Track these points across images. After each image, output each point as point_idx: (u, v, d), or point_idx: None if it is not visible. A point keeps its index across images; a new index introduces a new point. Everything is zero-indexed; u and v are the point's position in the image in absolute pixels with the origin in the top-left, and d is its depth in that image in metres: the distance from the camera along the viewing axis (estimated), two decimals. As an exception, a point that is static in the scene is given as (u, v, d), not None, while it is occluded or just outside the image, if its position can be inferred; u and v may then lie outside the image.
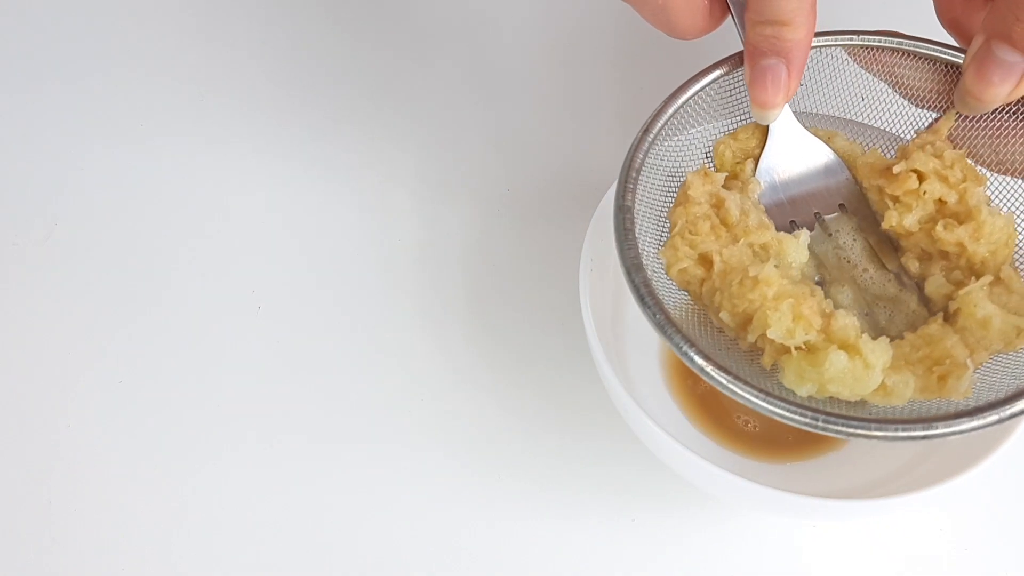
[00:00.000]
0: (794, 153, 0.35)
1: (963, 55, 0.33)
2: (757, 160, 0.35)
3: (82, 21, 0.58)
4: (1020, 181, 0.34)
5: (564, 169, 0.52)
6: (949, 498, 0.42)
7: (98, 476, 0.42)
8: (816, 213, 0.35)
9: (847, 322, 0.30)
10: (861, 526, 0.41)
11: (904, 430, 0.27)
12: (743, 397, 0.29)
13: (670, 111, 0.34)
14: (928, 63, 0.34)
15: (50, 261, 0.49)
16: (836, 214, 0.35)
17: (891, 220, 0.34)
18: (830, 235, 0.35)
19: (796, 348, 0.30)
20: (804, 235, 0.34)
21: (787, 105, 0.34)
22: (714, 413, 0.43)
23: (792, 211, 0.35)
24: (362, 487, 0.42)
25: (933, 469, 0.37)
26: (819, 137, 0.36)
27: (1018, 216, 0.34)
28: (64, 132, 0.54)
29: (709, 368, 0.29)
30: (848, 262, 0.35)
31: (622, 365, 0.42)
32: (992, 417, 0.28)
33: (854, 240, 0.35)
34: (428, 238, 0.50)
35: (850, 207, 0.35)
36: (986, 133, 0.34)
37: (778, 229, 0.34)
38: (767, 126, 0.35)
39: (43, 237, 0.50)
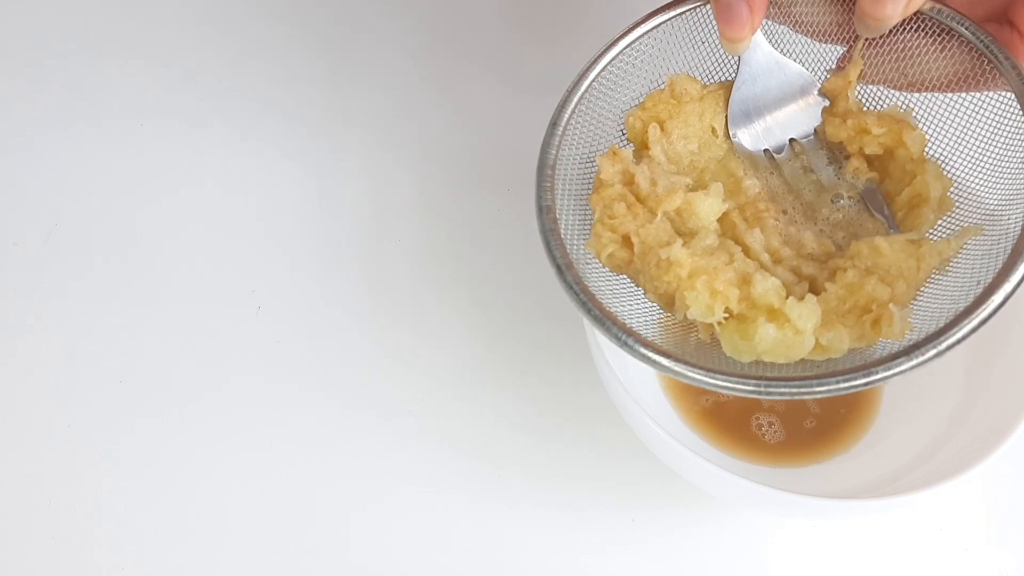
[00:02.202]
0: (765, 79, 0.35)
1: None
2: (728, 93, 0.35)
3: (82, 21, 0.58)
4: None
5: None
6: (949, 498, 0.42)
7: (98, 476, 0.42)
8: (791, 140, 0.35)
9: (767, 286, 0.30)
10: (861, 526, 0.41)
11: (846, 380, 0.28)
12: (688, 377, 0.29)
13: (573, 101, 0.34)
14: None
15: (50, 261, 0.49)
16: (810, 138, 0.35)
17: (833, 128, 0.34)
18: (800, 157, 0.35)
19: (718, 323, 0.30)
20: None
21: (759, 31, 0.34)
22: (715, 416, 0.43)
23: (766, 138, 0.35)
24: (362, 487, 0.42)
25: (933, 469, 0.37)
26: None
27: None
28: (64, 132, 0.54)
29: (651, 354, 0.29)
30: (815, 185, 0.35)
31: (622, 365, 0.42)
32: (930, 352, 0.28)
33: (826, 164, 0.35)
34: (429, 238, 0.50)
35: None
36: (892, 56, 0.34)
37: (752, 158, 0.35)
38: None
39: (43, 237, 0.50)
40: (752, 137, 0.35)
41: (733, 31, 0.33)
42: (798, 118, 0.35)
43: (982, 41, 0.32)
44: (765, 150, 0.35)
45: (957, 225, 0.32)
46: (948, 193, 0.33)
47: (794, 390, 0.28)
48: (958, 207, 0.33)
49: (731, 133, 0.35)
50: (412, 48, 0.57)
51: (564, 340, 0.46)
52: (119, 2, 0.59)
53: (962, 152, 0.34)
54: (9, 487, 0.42)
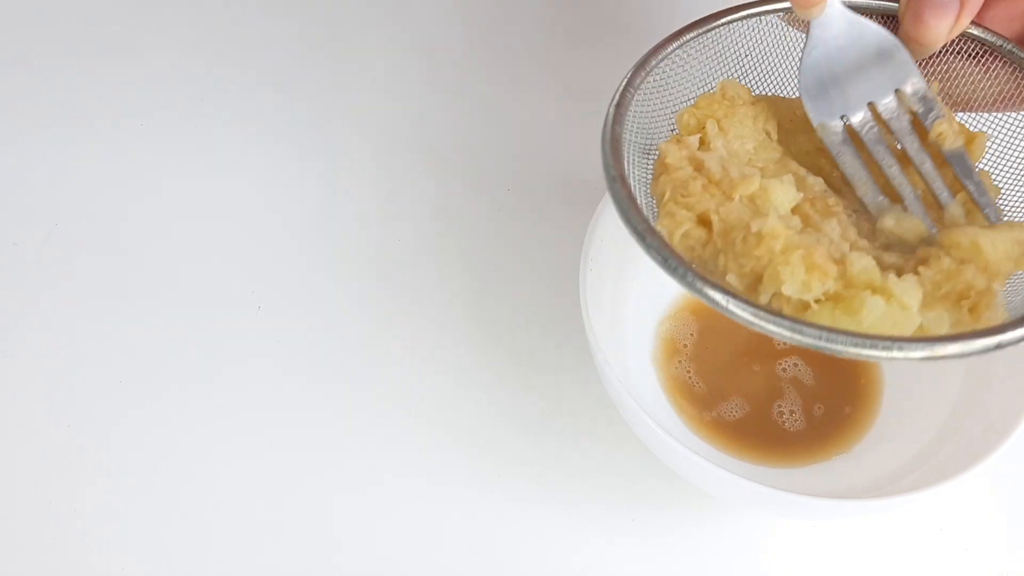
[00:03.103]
0: (839, 42, 0.33)
1: (897, 3, 0.33)
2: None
3: (81, 21, 0.58)
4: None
5: (564, 169, 0.52)
6: (949, 498, 0.42)
7: (98, 476, 0.42)
8: (870, 104, 0.33)
9: (864, 264, 0.29)
10: (861, 526, 0.41)
11: (976, 339, 0.26)
12: (800, 338, 0.26)
13: (636, 83, 0.33)
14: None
15: (50, 261, 0.49)
16: (890, 99, 0.33)
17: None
18: (882, 123, 0.33)
19: (816, 301, 0.28)
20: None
21: None
22: (712, 415, 0.43)
23: (843, 105, 0.33)
24: (362, 487, 0.42)
25: (933, 469, 0.37)
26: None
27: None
28: (64, 132, 0.54)
29: (760, 316, 0.27)
30: (893, 150, 0.33)
31: (622, 365, 0.42)
32: None
33: (910, 132, 0.33)
34: (428, 238, 0.50)
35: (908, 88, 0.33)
36: (937, 76, 0.34)
37: (827, 126, 0.33)
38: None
39: (43, 237, 0.50)
40: (827, 105, 0.33)
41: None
42: (876, 81, 0.33)
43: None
44: (842, 117, 0.33)
45: None
46: (997, 201, 0.33)
47: (925, 352, 0.26)
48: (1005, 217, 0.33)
49: (805, 105, 0.33)
50: (413, 51, 0.57)
51: (564, 340, 0.46)
52: (119, 2, 0.59)
53: (1004, 167, 0.34)
54: (9, 487, 0.42)
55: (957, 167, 0.32)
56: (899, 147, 0.33)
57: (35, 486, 0.42)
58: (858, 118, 0.33)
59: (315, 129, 0.54)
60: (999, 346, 0.26)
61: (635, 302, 0.45)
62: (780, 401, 0.43)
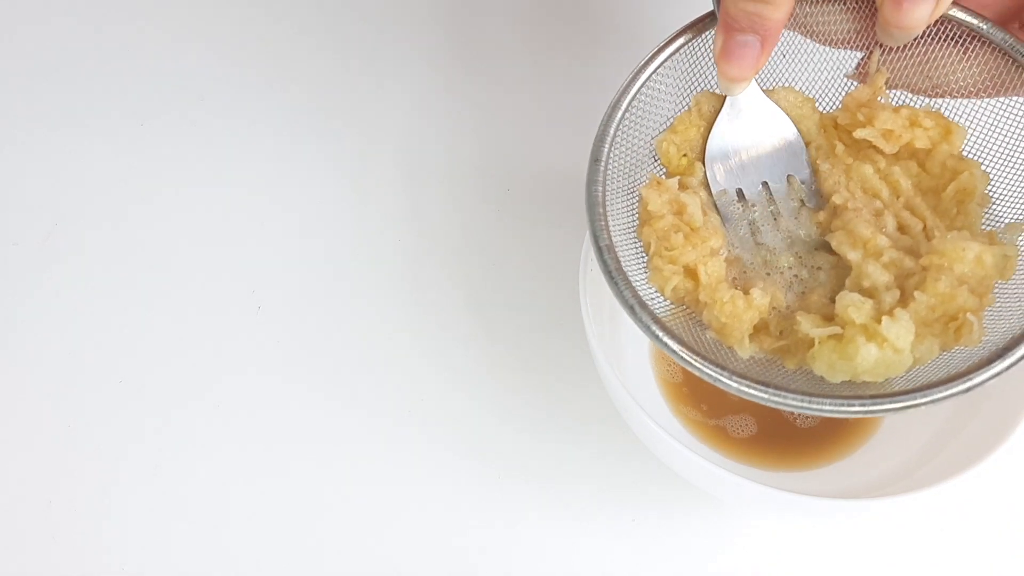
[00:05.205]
0: (752, 122, 0.35)
1: None
2: (710, 125, 0.35)
3: (81, 21, 0.58)
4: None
5: (564, 169, 0.52)
6: (949, 498, 0.42)
7: (98, 476, 0.42)
8: (764, 183, 0.35)
9: (863, 308, 0.30)
10: (861, 526, 0.41)
11: (947, 389, 0.28)
12: (787, 404, 0.29)
13: (610, 133, 0.33)
14: (839, 4, 0.33)
15: (50, 261, 0.49)
16: (782, 185, 0.35)
17: (830, 180, 0.34)
18: (772, 202, 0.35)
19: (819, 341, 0.30)
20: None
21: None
22: (708, 414, 0.43)
23: (741, 177, 0.35)
24: (361, 487, 0.42)
25: (933, 469, 0.37)
26: (775, 94, 0.35)
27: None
28: (64, 132, 0.54)
29: (745, 386, 0.29)
30: (783, 234, 0.35)
31: (621, 365, 0.42)
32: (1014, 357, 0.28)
33: (798, 210, 0.35)
34: (428, 238, 0.50)
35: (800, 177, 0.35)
36: (914, 61, 0.33)
37: (724, 194, 0.34)
38: (710, 106, 0.35)
39: (43, 237, 0.50)
40: (727, 174, 0.35)
41: (738, 70, 0.32)
42: (774, 165, 0.35)
43: (1009, 44, 0.32)
44: (738, 190, 0.35)
45: (994, 224, 0.33)
46: (986, 190, 0.33)
47: (898, 405, 0.28)
48: (993, 204, 0.33)
49: (707, 166, 0.35)
50: (413, 51, 0.57)
51: (564, 340, 0.46)
52: (119, 2, 0.59)
53: (990, 153, 0.34)
54: (9, 487, 0.42)
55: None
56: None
57: (35, 486, 0.42)
58: (751, 193, 0.35)
59: (315, 131, 0.54)
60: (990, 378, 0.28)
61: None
62: None
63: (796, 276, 0.34)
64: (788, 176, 0.35)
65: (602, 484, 0.42)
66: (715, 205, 0.35)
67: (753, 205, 0.35)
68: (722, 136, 0.35)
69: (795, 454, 0.42)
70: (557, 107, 0.55)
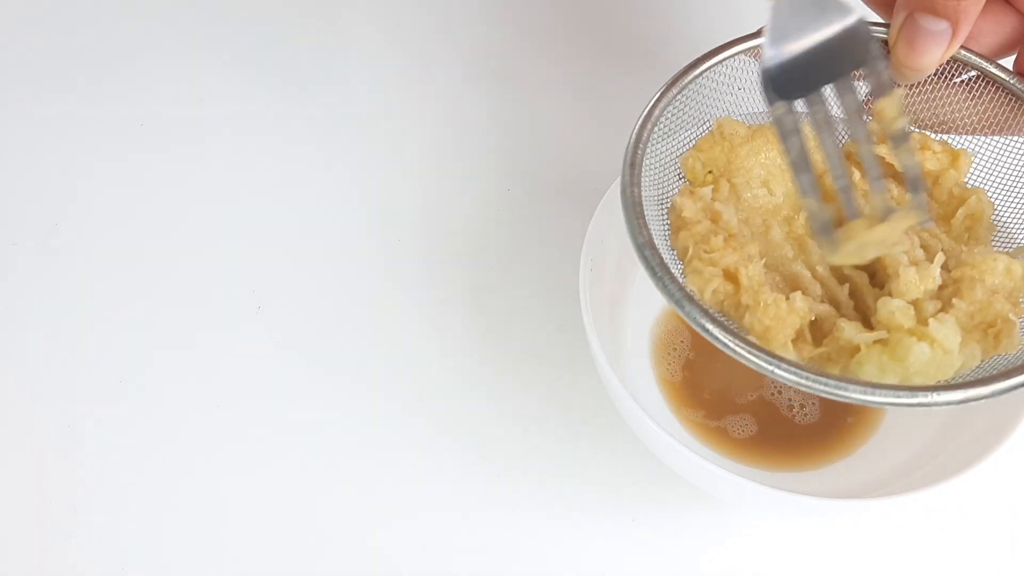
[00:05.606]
0: (803, 19, 0.30)
1: (886, 28, 0.32)
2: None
3: (80, 21, 0.58)
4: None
5: (564, 168, 0.52)
6: (949, 498, 0.42)
7: (98, 476, 0.42)
8: (830, 83, 0.31)
9: (909, 312, 0.30)
10: (862, 526, 0.41)
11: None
12: (846, 397, 0.28)
13: (644, 138, 0.33)
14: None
15: (50, 262, 0.49)
16: (850, 96, 0.31)
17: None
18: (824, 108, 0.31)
19: (867, 344, 0.30)
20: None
21: None
22: (708, 413, 0.43)
23: (803, 86, 0.31)
24: (362, 486, 0.42)
25: (933, 469, 0.37)
26: None
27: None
28: (64, 133, 0.54)
29: (802, 376, 0.28)
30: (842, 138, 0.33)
31: (621, 366, 0.42)
32: None
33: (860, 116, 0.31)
34: (428, 238, 0.50)
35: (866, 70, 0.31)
36: (923, 98, 0.34)
37: (786, 109, 0.31)
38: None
39: (43, 238, 0.50)
40: (787, 85, 0.31)
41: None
42: (837, 61, 0.30)
43: (1012, 85, 0.32)
44: (798, 100, 0.31)
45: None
46: (992, 218, 0.34)
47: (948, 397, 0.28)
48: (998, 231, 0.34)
49: (762, 86, 0.31)
50: (413, 50, 0.57)
51: (564, 340, 0.46)
52: (119, 2, 0.59)
53: (994, 184, 0.35)
54: (9, 487, 0.42)
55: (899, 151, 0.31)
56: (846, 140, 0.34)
57: (35, 486, 0.42)
58: (813, 100, 0.31)
59: (315, 129, 0.54)
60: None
61: (635, 302, 0.45)
62: (790, 396, 0.43)
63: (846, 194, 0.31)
64: (854, 72, 0.30)
65: (602, 484, 0.42)
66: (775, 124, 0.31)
67: (810, 113, 0.31)
68: (774, 43, 0.30)
69: (795, 454, 0.42)
70: (558, 107, 0.55)
